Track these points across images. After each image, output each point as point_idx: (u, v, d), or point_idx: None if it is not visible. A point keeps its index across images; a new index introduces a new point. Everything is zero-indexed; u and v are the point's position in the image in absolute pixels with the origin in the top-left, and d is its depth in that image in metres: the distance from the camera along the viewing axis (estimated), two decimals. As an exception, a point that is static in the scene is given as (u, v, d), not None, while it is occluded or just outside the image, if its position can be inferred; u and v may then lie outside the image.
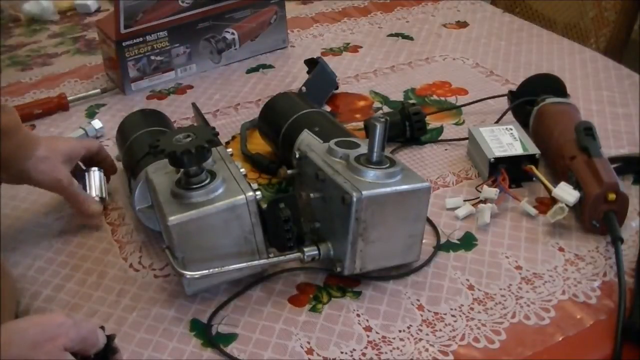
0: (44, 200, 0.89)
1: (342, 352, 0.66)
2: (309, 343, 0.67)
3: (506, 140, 0.88)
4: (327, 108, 1.08)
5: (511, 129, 0.90)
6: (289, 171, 0.79)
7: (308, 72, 1.10)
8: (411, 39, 1.30)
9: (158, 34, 1.13)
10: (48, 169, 0.81)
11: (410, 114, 0.96)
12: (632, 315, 0.67)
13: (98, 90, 1.13)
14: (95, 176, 0.88)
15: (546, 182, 0.81)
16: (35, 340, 0.53)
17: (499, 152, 0.86)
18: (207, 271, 0.67)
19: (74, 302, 0.73)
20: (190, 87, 1.16)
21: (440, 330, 0.68)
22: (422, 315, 0.70)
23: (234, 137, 1.01)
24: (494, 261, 0.76)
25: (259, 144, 0.96)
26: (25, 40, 1.40)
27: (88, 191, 0.86)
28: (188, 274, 0.67)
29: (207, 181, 0.69)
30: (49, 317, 0.58)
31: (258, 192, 0.69)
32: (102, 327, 0.60)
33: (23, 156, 0.80)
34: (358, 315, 0.70)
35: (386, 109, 1.07)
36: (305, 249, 0.71)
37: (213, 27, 1.18)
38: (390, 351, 0.66)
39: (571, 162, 0.82)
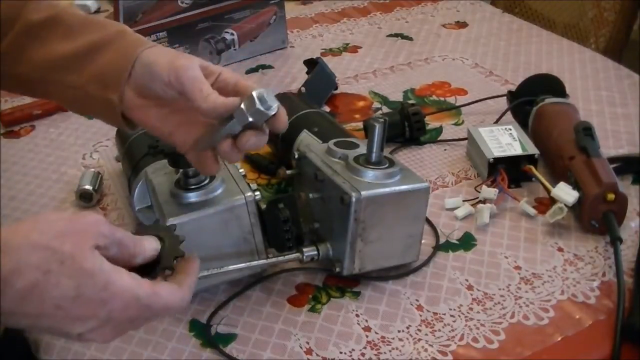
0: (44, 201, 0.89)
1: (341, 352, 0.66)
2: (308, 343, 0.67)
3: (505, 140, 0.88)
4: (327, 108, 1.08)
5: (510, 129, 0.90)
6: (288, 171, 0.79)
7: (307, 73, 1.10)
8: (410, 39, 1.30)
9: (158, 34, 1.13)
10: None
11: (410, 114, 0.96)
12: (631, 315, 0.67)
13: (97, 91, 1.13)
14: None
15: (545, 182, 0.81)
16: (62, 231, 0.49)
17: (498, 152, 0.86)
18: (206, 271, 0.66)
19: (73, 302, 0.73)
20: (190, 87, 1.16)
21: (440, 330, 0.68)
22: (421, 316, 0.70)
23: (233, 138, 1.01)
24: (493, 261, 0.76)
25: (258, 145, 0.96)
26: (25, 41, 1.40)
27: None
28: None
29: (206, 182, 0.69)
30: (82, 213, 0.54)
31: (257, 193, 0.69)
32: (160, 239, 0.55)
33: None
34: (357, 315, 0.70)
35: (385, 109, 1.07)
36: (305, 249, 0.71)
37: (212, 27, 1.18)
38: (390, 351, 0.66)
39: (570, 162, 0.82)
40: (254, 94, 0.58)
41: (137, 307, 0.52)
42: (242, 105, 0.59)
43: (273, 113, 0.59)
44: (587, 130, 0.84)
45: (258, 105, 0.58)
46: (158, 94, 0.64)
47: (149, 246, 0.55)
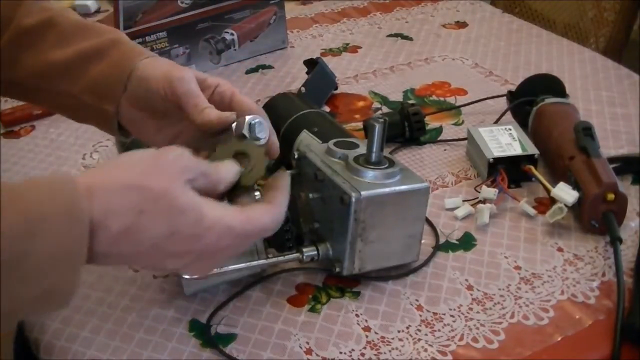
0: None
1: (341, 352, 0.66)
2: (308, 343, 0.67)
3: (505, 140, 0.88)
4: (327, 108, 1.08)
5: (510, 129, 0.90)
6: (289, 171, 0.79)
7: (307, 73, 1.10)
8: (410, 39, 1.30)
9: (157, 34, 1.13)
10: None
11: (410, 114, 0.96)
12: (631, 315, 0.67)
13: (97, 91, 1.13)
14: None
15: (545, 182, 0.81)
16: (151, 168, 0.49)
17: (498, 153, 0.86)
18: (206, 271, 0.67)
19: (73, 302, 0.73)
20: (190, 87, 1.16)
21: (439, 330, 0.68)
22: (421, 316, 0.70)
23: (233, 138, 1.01)
24: (493, 261, 0.76)
25: (258, 145, 0.96)
26: (25, 41, 1.40)
27: None
28: (187, 274, 0.67)
29: (206, 182, 0.69)
30: (165, 149, 0.52)
31: (257, 193, 0.69)
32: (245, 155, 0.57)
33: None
34: (357, 315, 0.70)
35: (385, 109, 1.07)
36: (304, 250, 0.71)
37: (212, 27, 1.18)
38: (389, 351, 0.66)
39: (570, 162, 0.82)
40: (247, 119, 0.59)
41: (232, 237, 0.52)
42: (233, 126, 0.60)
43: (260, 144, 0.60)
44: (587, 130, 0.84)
45: (246, 132, 0.59)
46: (154, 106, 0.64)
47: (228, 172, 0.55)
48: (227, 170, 0.55)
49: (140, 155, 0.51)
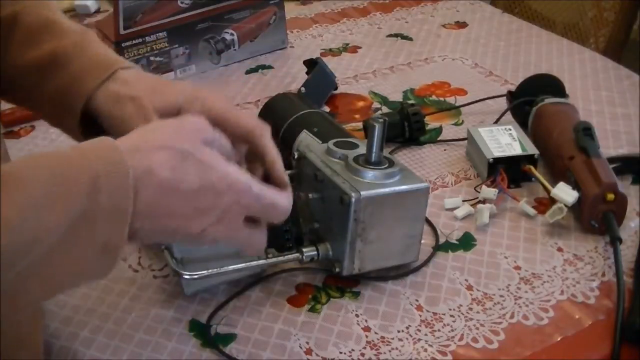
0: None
1: (340, 353, 0.66)
2: (307, 343, 0.67)
3: (505, 140, 0.88)
4: (326, 108, 1.08)
5: (510, 129, 0.90)
6: (288, 172, 0.79)
7: (307, 73, 1.10)
8: (410, 39, 1.30)
9: (157, 34, 1.13)
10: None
11: (409, 115, 0.96)
12: (631, 315, 0.67)
13: (97, 91, 1.13)
14: None
15: (545, 182, 0.81)
16: (175, 131, 0.54)
17: (497, 153, 0.86)
18: (206, 272, 0.67)
19: (72, 302, 0.73)
20: (190, 87, 1.16)
21: (439, 330, 0.68)
22: (420, 316, 0.70)
23: (233, 138, 1.01)
24: (493, 261, 0.76)
25: (258, 145, 0.96)
26: (25, 41, 1.40)
27: None
28: (187, 274, 0.67)
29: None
30: (185, 116, 0.59)
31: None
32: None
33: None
34: (357, 315, 0.70)
35: (385, 109, 1.07)
36: (304, 250, 0.71)
37: (212, 27, 1.18)
38: (389, 351, 0.66)
39: (570, 162, 0.82)
40: None
41: (250, 196, 0.56)
42: None
43: None
44: (586, 130, 0.84)
45: None
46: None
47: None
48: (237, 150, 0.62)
49: (163, 122, 0.58)
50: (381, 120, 0.69)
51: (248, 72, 1.20)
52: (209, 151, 0.55)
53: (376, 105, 1.09)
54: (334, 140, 0.75)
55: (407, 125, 0.96)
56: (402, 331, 0.68)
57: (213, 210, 0.55)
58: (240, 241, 0.60)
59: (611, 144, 0.95)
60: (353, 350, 0.66)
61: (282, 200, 0.60)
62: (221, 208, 0.55)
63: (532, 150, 0.86)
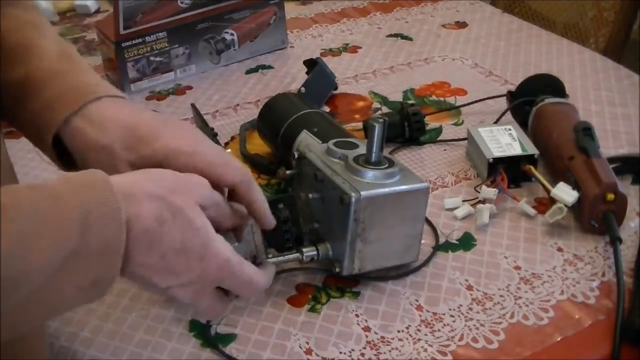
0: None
1: (340, 352, 0.66)
2: (307, 343, 0.67)
3: (505, 140, 0.88)
4: (326, 108, 1.08)
5: (510, 129, 0.90)
6: (288, 172, 0.79)
7: (307, 73, 1.10)
8: (410, 39, 1.30)
9: (157, 34, 1.13)
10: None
11: (409, 115, 0.96)
12: (631, 316, 0.67)
13: (97, 91, 1.13)
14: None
15: (545, 182, 0.81)
16: (174, 186, 0.54)
17: (497, 153, 0.86)
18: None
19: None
20: (190, 87, 1.16)
21: (439, 330, 0.68)
22: (420, 316, 0.70)
23: (233, 138, 1.01)
24: (493, 261, 0.76)
25: (258, 145, 0.96)
26: (25, 41, 1.40)
27: None
28: None
29: (205, 182, 0.69)
30: (187, 174, 0.56)
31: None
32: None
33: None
34: (357, 315, 0.70)
35: (385, 109, 1.07)
36: (304, 250, 0.71)
37: (212, 27, 1.18)
38: (389, 351, 0.66)
39: (570, 162, 0.82)
40: None
41: (227, 269, 0.56)
42: None
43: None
44: (586, 130, 0.84)
45: None
46: None
47: (236, 212, 0.60)
48: (237, 211, 0.61)
49: (166, 172, 0.55)
50: (381, 120, 0.69)
51: (248, 72, 1.20)
52: (200, 214, 0.54)
53: (376, 105, 1.09)
54: (334, 140, 0.75)
55: (407, 125, 0.96)
56: (402, 331, 0.68)
57: (185, 274, 0.54)
58: (199, 307, 0.58)
59: (611, 144, 0.95)
60: (353, 350, 0.66)
61: (259, 279, 0.59)
62: (195, 274, 0.54)
63: (532, 150, 0.86)
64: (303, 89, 1.04)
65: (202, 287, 0.56)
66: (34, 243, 0.45)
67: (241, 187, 0.61)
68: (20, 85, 0.62)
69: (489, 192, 0.83)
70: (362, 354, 0.66)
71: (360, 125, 0.99)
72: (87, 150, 0.60)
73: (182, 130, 0.61)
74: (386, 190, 0.69)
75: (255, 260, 0.61)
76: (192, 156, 0.59)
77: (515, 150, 0.86)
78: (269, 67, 1.21)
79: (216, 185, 0.58)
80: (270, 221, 0.64)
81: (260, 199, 0.62)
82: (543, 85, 0.97)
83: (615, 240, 0.75)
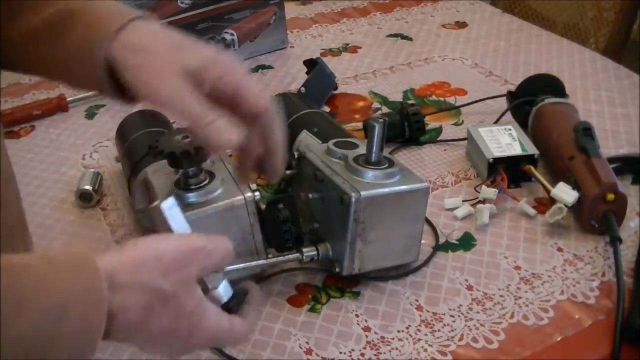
0: (43, 201, 0.89)
1: (340, 352, 0.66)
2: (307, 343, 0.67)
3: (505, 140, 0.88)
4: (326, 108, 1.08)
5: (510, 129, 0.90)
6: (288, 172, 0.79)
7: (307, 73, 1.10)
8: (410, 39, 1.30)
9: (157, 34, 1.13)
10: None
11: (409, 115, 0.96)
12: (631, 316, 0.67)
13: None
14: None
15: (545, 182, 0.81)
16: (168, 268, 0.50)
17: (497, 153, 0.86)
18: (206, 272, 0.66)
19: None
20: (190, 87, 1.16)
21: (439, 330, 0.68)
22: (420, 316, 0.70)
23: (233, 138, 1.01)
24: (493, 261, 0.76)
25: (258, 145, 0.96)
26: (25, 41, 1.40)
27: None
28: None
29: (205, 182, 0.69)
30: (188, 241, 0.53)
31: (257, 193, 0.69)
32: None
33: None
34: (357, 315, 0.70)
35: (385, 109, 1.07)
36: (304, 250, 0.71)
37: (212, 27, 1.18)
38: (389, 351, 0.66)
39: (570, 162, 0.82)
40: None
41: (214, 341, 0.56)
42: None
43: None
44: (586, 131, 0.84)
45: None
46: None
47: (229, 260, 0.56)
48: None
49: (164, 248, 0.52)
50: (381, 120, 0.69)
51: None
52: (194, 294, 0.52)
53: (376, 105, 1.09)
54: (334, 140, 0.75)
55: (407, 125, 0.96)
56: (402, 331, 0.68)
57: (173, 346, 0.53)
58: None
59: (611, 144, 0.95)
60: (353, 350, 0.66)
61: (242, 336, 0.57)
62: (181, 346, 0.54)
63: (532, 150, 0.86)
64: (303, 89, 1.04)
65: (185, 349, 0.55)
66: (7, 322, 0.43)
67: (267, 116, 0.59)
68: (52, 24, 0.61)
69: (489, 192, 0.83)
70: (362, 354, 0.66)
71: (360, 125, 0.99)
72: (137, 55, 0.57)
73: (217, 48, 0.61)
74: (386, 190, 0.69)
75: (233, 303, 0.58)
76: (229, 67, 0.58)
77: (515, 150, 0.86)
78: (269, 67, 1.22)
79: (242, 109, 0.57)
80: (283, 158, 0.61)
81: (281, 131, 0.60)
82: (543, 85, 0.97)
83: (615, 240, 0.75)
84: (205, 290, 0.54)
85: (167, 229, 0.56)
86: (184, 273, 0.51)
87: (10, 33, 0.62)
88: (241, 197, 0.68)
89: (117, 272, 0.48)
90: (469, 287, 0.73)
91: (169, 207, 0.56)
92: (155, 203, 0.56)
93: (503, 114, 1.00)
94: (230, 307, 0.56)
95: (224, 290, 0.56)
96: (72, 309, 0.45)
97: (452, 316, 0.70)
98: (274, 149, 0.62)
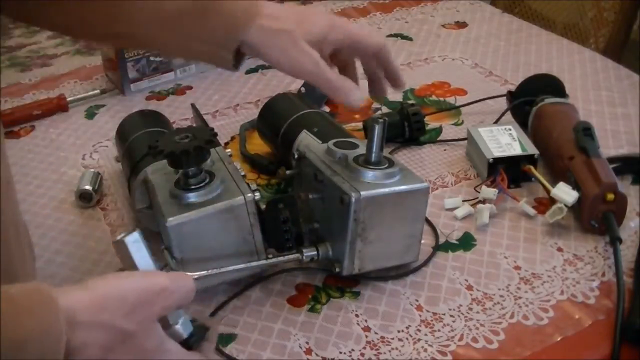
0: (43, 201, 0.89)
1: (340, 352, 0.66)
2: (307, 343, 0.67)
3: (505, 140, 0.88)
4: (326, 108, 1.08)
5: (510, 129, 0.90)
6: (288, 172, 0.79)
7: (307, 73, 1.10)
8: (410, 39, 1.30)
9: (157, 34, 1.13)
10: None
11: (409, 115, 0.96)
12: (631, 316, 0.67)
13: (97, 91, 1.14)
14: None
15: (545, 182, 0.81)
16: (132, 308, 0.51)
17: (497, 153, 0.86)
18: (205, 272, 0.67)
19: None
20: (190, 87, 1.16)
21: (439, 330, 0.68)
22: (420, 316, 0.70)
23: (233, 138, 1.01)
24: (493, 261, 0.76)
25: (258, 145, 0.96)
26: (25, 41, 1.41)
27: None
28: (187, 274, 0.67)
29: (205, 182, 0.69)
30: (152, 280, 0.54)
31: (257, 193, 0.69)
32: None
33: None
34: (357, 315, 0.70)
35: (385, 109, 1.07)
36: (304, 250, 0.71)
37: (212, 27, 1.18)
38: (389, 351, 0.66)
39: (570, 162, 0.82)
40: None
41: None
42: None
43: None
44: (586, 131, 0.84)
45: None
46: None
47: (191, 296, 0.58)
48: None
49: (129, 288, 0.53)
50: (381, 120, 0.69)
51: (248, 72, 1.20)
52: (154, 334, 0.53)
53: (376, 105, 1.08)
54: (334, 140, 0.75)
55: (407, 125, 0.96)
56: (402, 331, 0.68)
57: None
58: None
59: (611, 144, 0.95)
60: (353, 350, 0.66)
61: None
62: None
63: (532, 150, 0.86)
64: (303, 89, 1.04)
65: None
66: None
67: (385, 49, 0.73)
68: (187, 8, 0.66)
69: (489, 192, 0.83)
70: (362, 354, 0.66)
71: (360, 125, 0.99)
72: (274, 39, 0.67)
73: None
74: (386, 190, 0.69)
75: (193, 340, 0.58)
76: (344, 26, 0.71)
77: (515, 150, 0.86)
78: (269, 67, 1.21)
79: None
80: (403, 80, 0.74)
81: (395, 61, 0.75)
82: (543, 85, 0.97)
83: (615, 240, 0.75)
84: (166, 326, 0.55)
85: (131, 262, 0.56)
86: (147, 313, 0.52)
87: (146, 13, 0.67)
88: (241, 197, 0.68)
89: (79, 310, 0.49)
90: (469, 287, 0.73)
91: (134, 241, 0.56)
92: (120, 236, 0.57)
93: (503, 114, 1.00)
94: (190, 344, 0.57)
95: (183, 327, 0.56)
96: (31, 347, 0.46)
97: (452, 316, 0.70)
98: (395, 73, 0.75)
